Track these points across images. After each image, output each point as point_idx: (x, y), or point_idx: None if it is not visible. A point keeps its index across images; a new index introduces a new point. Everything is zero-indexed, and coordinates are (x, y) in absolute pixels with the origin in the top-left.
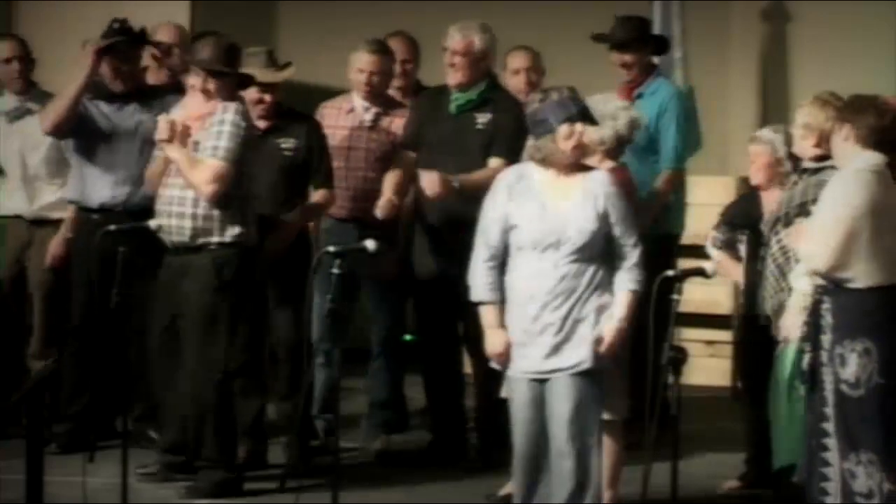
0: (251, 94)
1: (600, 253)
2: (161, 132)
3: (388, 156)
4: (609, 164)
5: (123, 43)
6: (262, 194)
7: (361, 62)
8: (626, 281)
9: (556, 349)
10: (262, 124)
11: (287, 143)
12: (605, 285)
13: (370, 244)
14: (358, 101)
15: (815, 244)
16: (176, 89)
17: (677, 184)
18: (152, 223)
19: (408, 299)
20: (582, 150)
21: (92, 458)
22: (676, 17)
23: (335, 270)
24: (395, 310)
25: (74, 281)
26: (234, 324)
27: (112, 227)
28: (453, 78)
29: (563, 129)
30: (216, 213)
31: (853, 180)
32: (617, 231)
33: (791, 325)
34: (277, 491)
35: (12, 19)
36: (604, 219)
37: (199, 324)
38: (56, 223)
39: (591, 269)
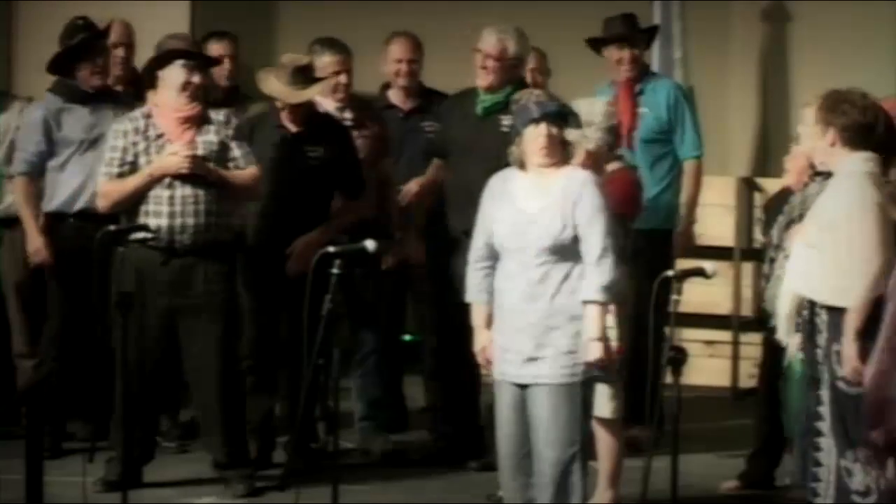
0: (280, 102)
1: (574, 255)
2: (185, 166)
3: (374, 153)
4: (615, 165)
5: (93, 38)
6: (287, 199)
7: (333, 64)
8: (586, 290)
9: (530, 356)
10: (292, 128)
11: (315, 151)
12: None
13: (370, 244)
14: (327, 103)
15: (852, 279)
16: (114, 93)
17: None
18: (152, 223)
19: (407, 299)
20: (551, 150)
21: (92, 458)
22: (676, 17)
23: (334, 271)
24: (394, 309)
25: (61, 287)
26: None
27: (112, 228)
28: (484, 80)
29: (527, 132)
30: (225, 210)
31: (858, 192)
32: (581, 232)
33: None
34: (278, 490)
35: (12, 19)
36: (573, 219)
37: (223, 319)
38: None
39: (561, 273)
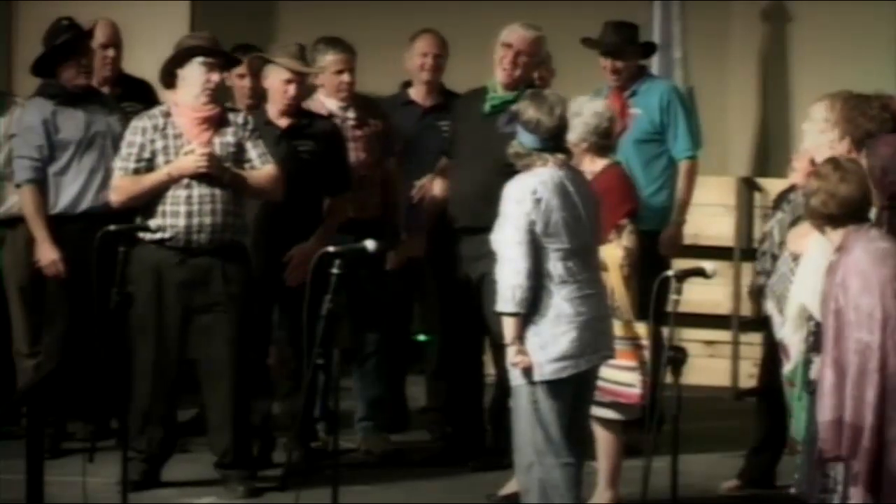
0: (277, 84)
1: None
2: (203, 165)
3: (377, 152)
4: (601, 163)
5: (77, 38)
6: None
7: (337, 62)
8: None
9: None
10: (282, 122)
11: (305, 146)
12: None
13: (370, 244)
14: (331, 103)
15: None
16: (99, 93)
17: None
18: (153, 223)
19: (415, 299)
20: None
21: (92, 458)
22: (676, 17)
23: (334, 270)
24: (399, 309)
25: (65, 288)
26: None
27: (112, 227)
28: (508, 77)
29: None
30: (239, 210)
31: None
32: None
33: (792, 341)
34: (278, 490)
35: (12, 19)
36: None
37: (240, 319)
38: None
39: None
